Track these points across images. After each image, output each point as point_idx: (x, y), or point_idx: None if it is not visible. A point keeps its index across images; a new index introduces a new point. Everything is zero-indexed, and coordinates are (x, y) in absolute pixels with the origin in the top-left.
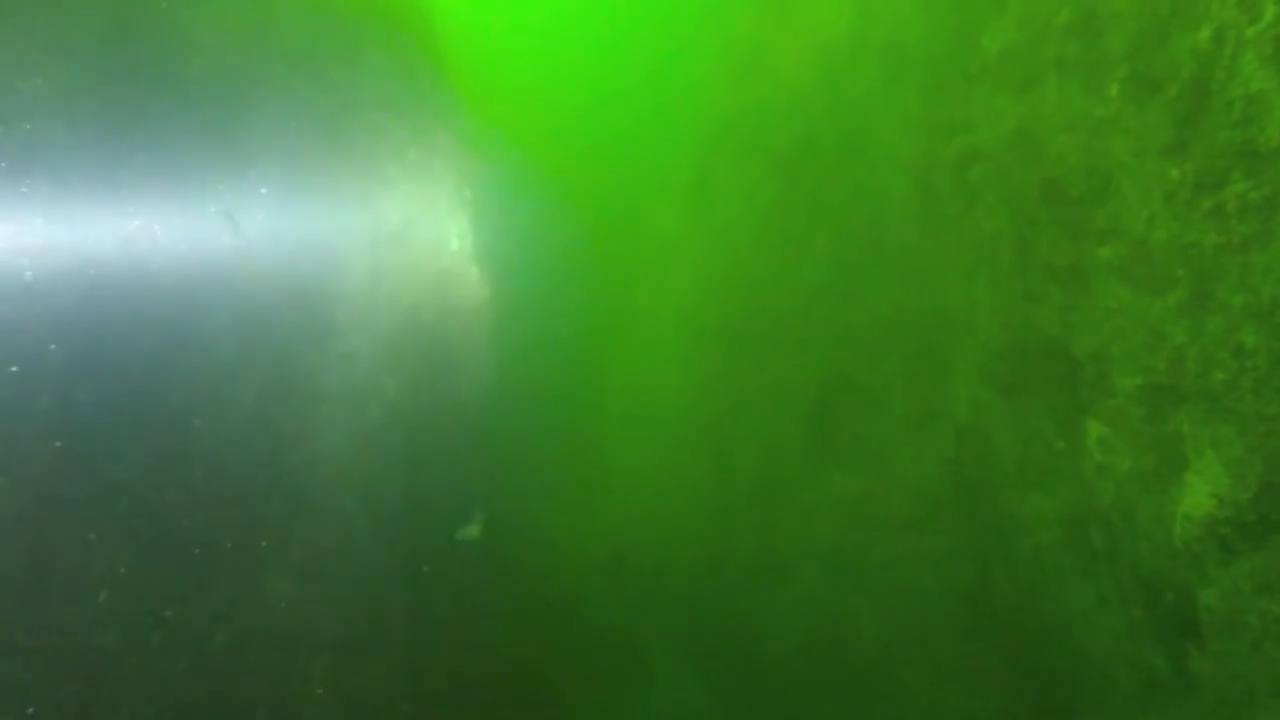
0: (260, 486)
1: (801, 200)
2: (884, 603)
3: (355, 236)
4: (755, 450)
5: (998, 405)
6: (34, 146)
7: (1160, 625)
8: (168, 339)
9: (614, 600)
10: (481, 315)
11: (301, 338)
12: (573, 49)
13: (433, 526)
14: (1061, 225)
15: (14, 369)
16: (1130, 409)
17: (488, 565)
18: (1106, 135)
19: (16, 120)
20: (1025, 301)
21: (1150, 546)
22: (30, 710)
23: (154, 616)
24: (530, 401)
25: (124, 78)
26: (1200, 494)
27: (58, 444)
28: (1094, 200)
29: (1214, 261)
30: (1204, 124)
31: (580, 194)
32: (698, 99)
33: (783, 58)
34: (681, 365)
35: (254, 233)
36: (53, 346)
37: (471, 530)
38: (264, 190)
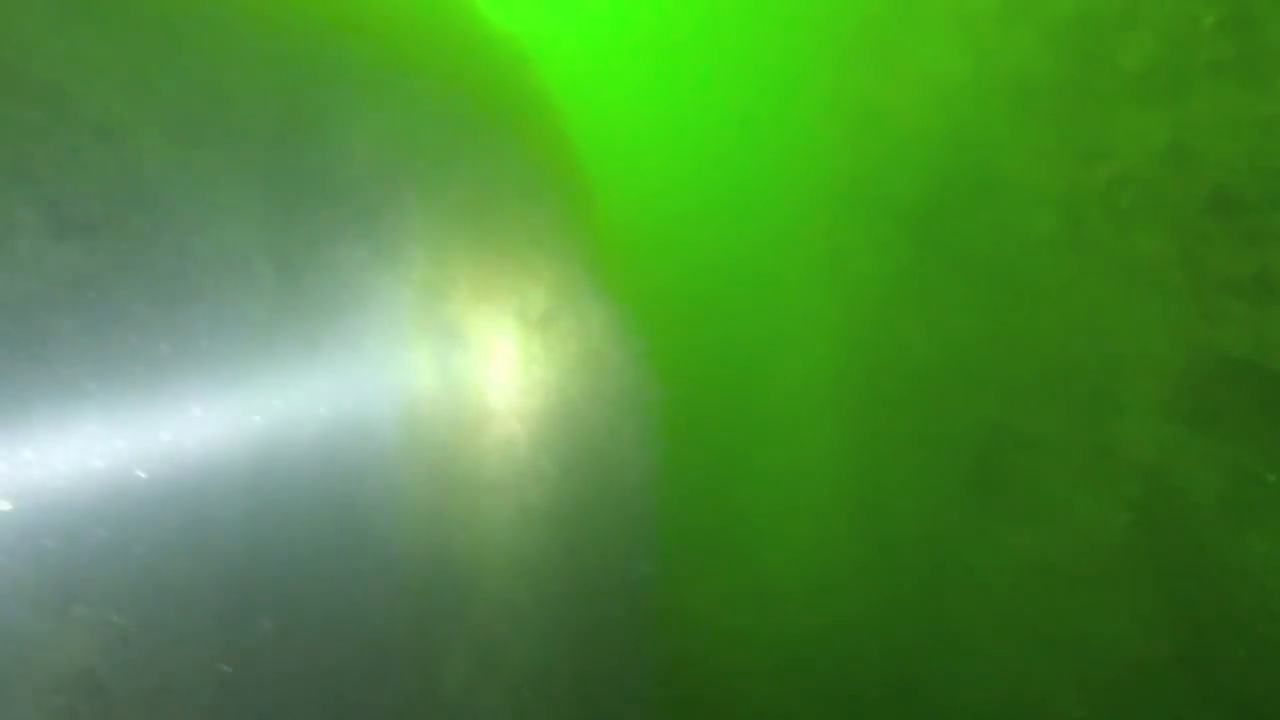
0: (431, 576)
1: (938, 250)
2: (1081, 672)
3: (504, 322)
4: (917, 519)
5: (1186, 441)
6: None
7: None
8: (333, 428)
9: (782, 695)
10: (627, 396)
11: (460, 424)
12: (693, 126)
13: (595, 613)
14: (1237, 235)
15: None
16: None
17: (651, 654)
18: (1278, 133)
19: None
20: (1204, 323)
21: None
22: None
23: (331, 712)
24: (679, 483)
25: (285, 185)
26: None
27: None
28: (1274, 203)
29: None
30: None
31: (710, 268)
32: (819, 161)
33: (901, 109)
34: (830, 437)
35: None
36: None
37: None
38: (415, 278)
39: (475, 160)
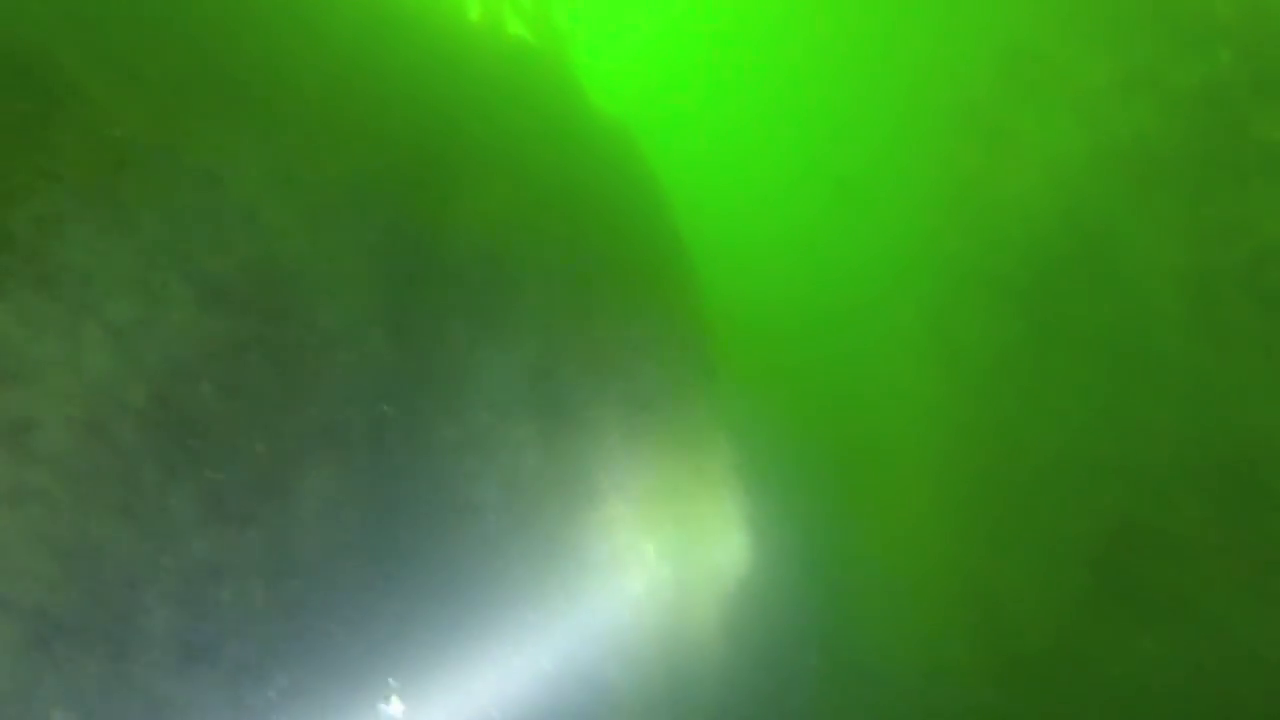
0: (530, 658)
1: (1052, 330)
2: None
3: (610, 406)
4: (1037, 618)
5: None
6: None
7: None
8: (437, 504)
9: None
10: (730, 478)
11: (564, 502)
12: (796, 209)
13: (689, 702)
14: None
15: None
16: None
17: None
18: None
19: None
20: None
21: None
22: None
23: None
24: (782, 572)
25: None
26: None
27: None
28: None
29: None
30: None
31: (812, 349)
32: (922, 241)
33: (1010, 186)
34: (939, 526)
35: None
36: None
37: None
38: (523, 355)
39: (583, 240)
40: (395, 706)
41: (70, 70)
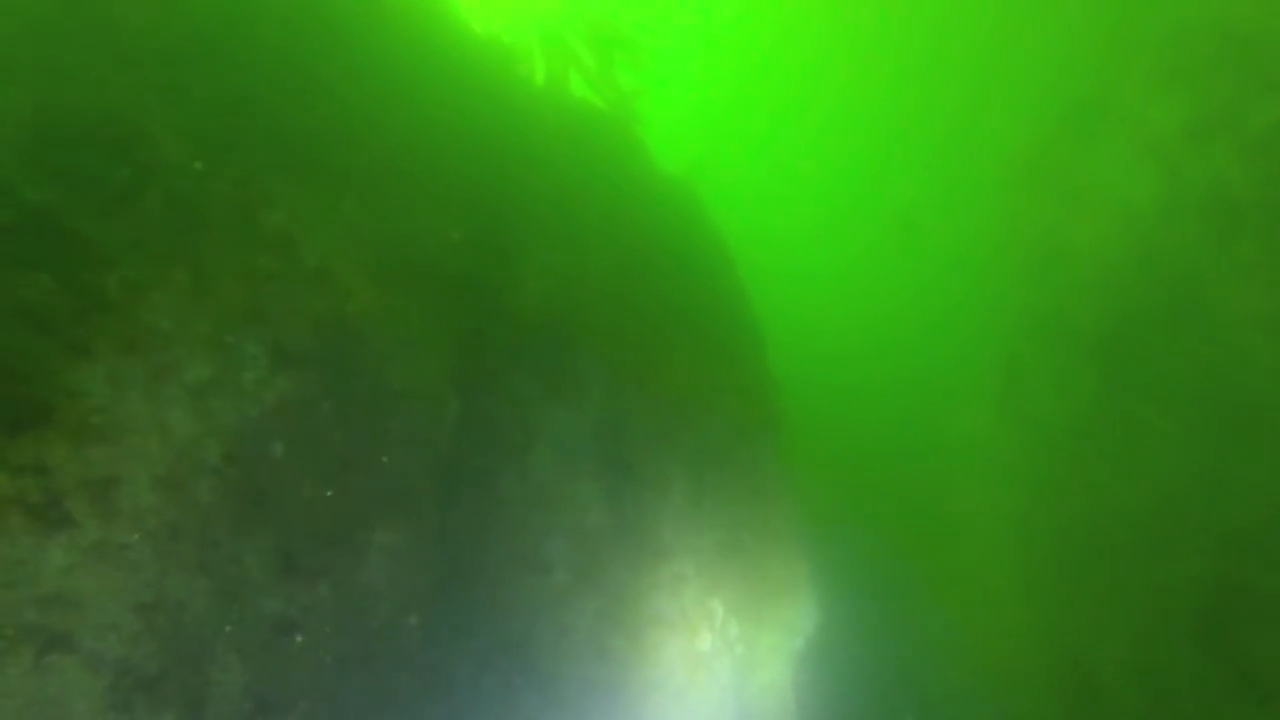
0: (598, 715)
1: (1133, 383)
2: None
3: (676, 461)
4: (1128, 684)
5: None
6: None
7: None
8: (506, 558)
9: None
10: (798, 536)
11: (632, 560)
12: (860, 262)
13: None
14: None
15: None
16: None
17: None
18: None
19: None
20: None
21: None
22: None
23: None
24: (852, 633)
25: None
26: None
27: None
28: None
29: None
30: None
31: (880, 405)
32: (994, 294)
33: (1082, 235)
34: (1013, 582)
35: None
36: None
37: None
38: (590, 413)
39: (648, 296)
40: None
41: (158, 141)
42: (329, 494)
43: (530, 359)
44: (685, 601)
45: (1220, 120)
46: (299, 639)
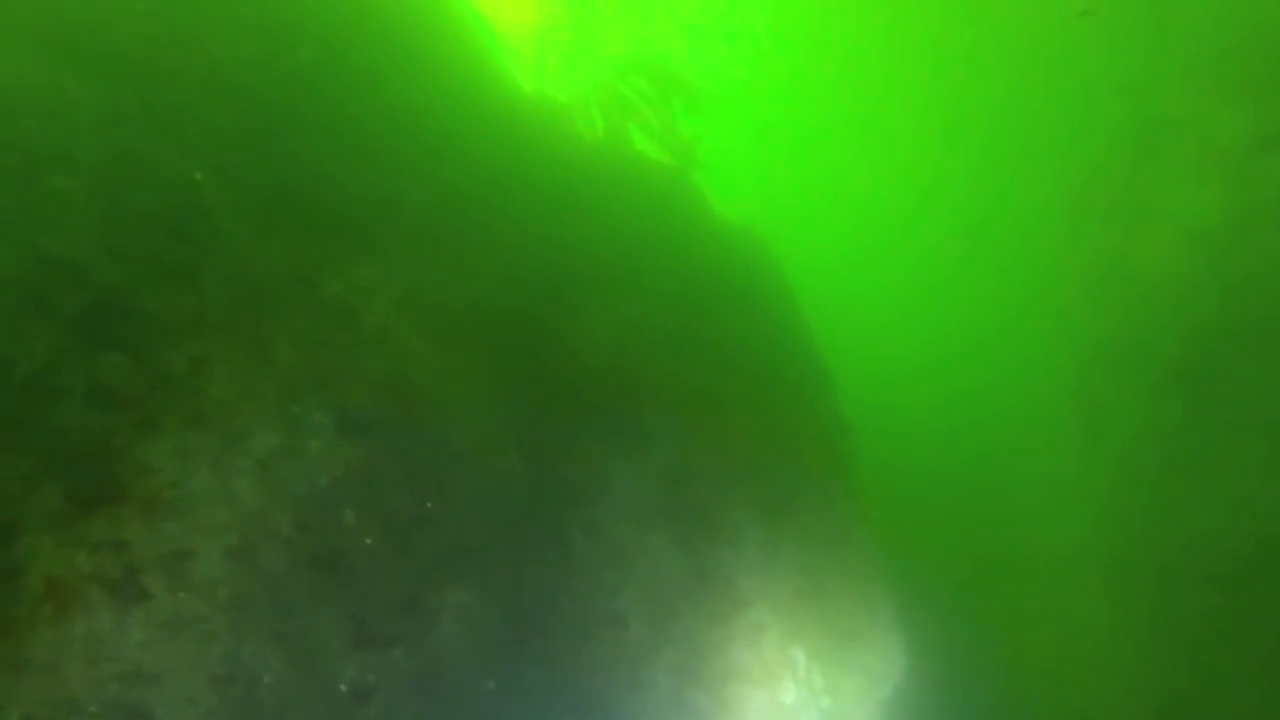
0: None
1: (1218, 405)
2: None
3: (747, 508)
4: None
5: None
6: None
7: None
8: (579, 615)
9: None
10: (877, 578)
11: (707, 611)
12: (928, 300)
13: None
14: None
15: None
16: None
17: None
18: None
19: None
20: None
21: None
22: None
23: None
24: (939, 673)
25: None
26: None
27: None
28: None
29: None
30: None
31: (953, 440)
32: (1066, 321)
33: (1151, 259)
34: (1104, 621)
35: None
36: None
37: None
38: (657, 462)
39: (712, 343)
40: None
41: (217, 218)
42: (398, 558)
43: (595, 411)
44: (765, 651)
45: None
46: (375, 706)
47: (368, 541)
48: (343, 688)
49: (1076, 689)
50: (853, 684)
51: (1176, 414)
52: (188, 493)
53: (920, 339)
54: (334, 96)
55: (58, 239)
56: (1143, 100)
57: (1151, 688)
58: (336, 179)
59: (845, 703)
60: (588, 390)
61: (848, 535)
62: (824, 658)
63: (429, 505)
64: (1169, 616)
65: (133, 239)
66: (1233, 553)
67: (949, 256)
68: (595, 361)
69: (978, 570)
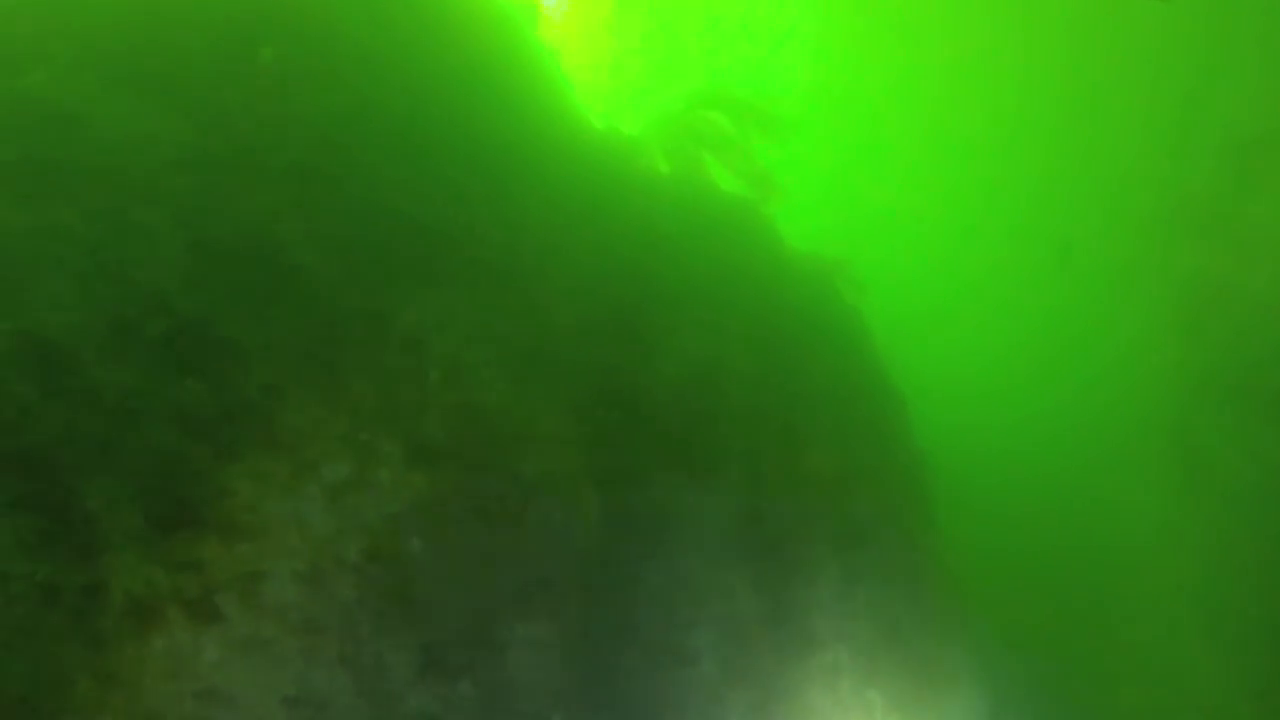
0: None
1: None
2: None
3: (823, 544)
4: None
5: None
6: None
7: None
8: (652, 651)
9: None
10: (956, 619)
11: (782, 650)
12: (1009, 326)
13: None
14: None
15: None
16: None
17: None
18: None
19: None
20: None
21: None
22: None
23: None
24: (1022, 717)
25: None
26: None
27: None
28: None
29: None
30: None
31: (1040, 479)
32: (1158, 355)
33: (1252, 285)
34: (1202, 664)
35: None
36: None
37: None
38: (732, 499)
39: (786, 377)
40: None
41: (293, 250)
42: (468, 589)
43: (669, 445)
44: (841, 693)
45: None
46: None
47: (437, 572)
48: (410, 716)
49: None
50: None
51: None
52: (261, 517)
53: (1000, 367)
54: (408, 132)
55: (144, 270)
56: (1243, 115)
57: None
58: (410, 212)
59: None
60: (662, 423)
61: (926, 573)
62: (901, 702)
63: (500, 538)
64: (1273, 658)
65: (213, 270)
66: None
67: (1031, 280)
68: (669, 396)
69: (1063, 613)
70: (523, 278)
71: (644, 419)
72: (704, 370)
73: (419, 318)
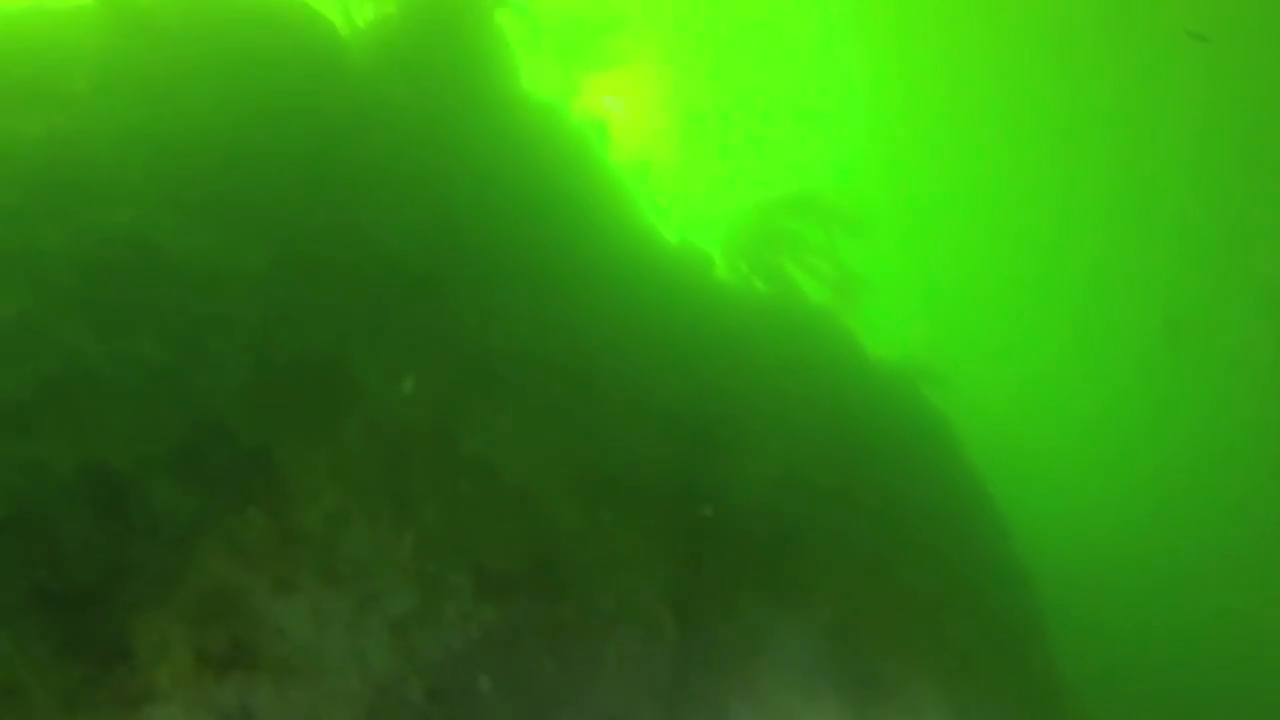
0: None
1: None
2: None
3: (922, 666)
4: None
5: None
6: None
7: None
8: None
9: None
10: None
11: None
12: (1102, 423)
13: None
14: None
15: None
16: None
17: None
18: None
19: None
20: None
21: None
22: None
23: None
24: None
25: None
26: None
27: None
28: None
29: None
30: None
31: (1169, 588)
32: (1245, 373)
33: None
34: None
35: None
36: None
37: None
38: (821, 623)
39: (874, 490)
40: None
41: (358, 375)
42: None
43: (751, 568)
44: None
45: None
46: None
47: (506, 713)
48: None
49: None
50: None
51: None
52: (319, 655)
53: (1111, 475)
54: (479, 255)
55: (211, 398)
56: None
57: None
58: (477, 330)
59: None
60: (743, 545)
61: (1044, 704)
62: None
63: (574, 674)
64: None
65: (277, 399)
66: None
67: (1153, 328)
68: (750, 516)
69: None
70: (593, 396)
71: (724, 540)
72: (786, 489)
73: (487, 440)
